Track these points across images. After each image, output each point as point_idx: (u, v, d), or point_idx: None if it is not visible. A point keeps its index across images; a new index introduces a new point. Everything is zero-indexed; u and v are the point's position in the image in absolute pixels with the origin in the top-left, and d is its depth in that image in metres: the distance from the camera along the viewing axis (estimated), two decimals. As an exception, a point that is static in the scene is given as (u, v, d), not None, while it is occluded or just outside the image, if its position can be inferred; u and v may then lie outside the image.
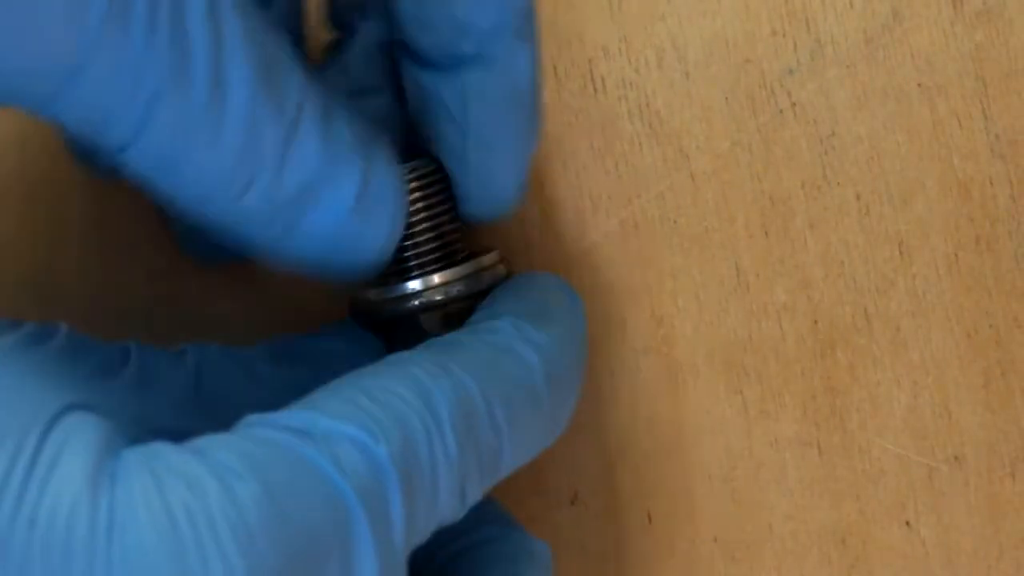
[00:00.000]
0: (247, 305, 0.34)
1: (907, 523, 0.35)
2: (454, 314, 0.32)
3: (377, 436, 0.26)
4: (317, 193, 0.28)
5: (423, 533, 0.27)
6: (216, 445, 0.25)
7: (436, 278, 0.31)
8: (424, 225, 0.31)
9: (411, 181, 0.31)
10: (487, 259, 0.32)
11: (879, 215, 0.36)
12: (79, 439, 0.24)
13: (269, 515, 0.24)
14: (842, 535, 0.35)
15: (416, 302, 0.31)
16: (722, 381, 0.36)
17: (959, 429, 0.36)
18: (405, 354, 0.29)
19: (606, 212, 0.36)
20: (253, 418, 0.26)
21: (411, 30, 0.31)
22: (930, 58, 0.37)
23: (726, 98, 0.37)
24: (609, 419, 0.36)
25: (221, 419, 0.28)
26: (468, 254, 0.32)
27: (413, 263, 0.31)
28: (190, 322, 0.34)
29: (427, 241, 0.32)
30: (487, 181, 0.32)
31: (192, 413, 0.28)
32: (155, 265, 0.35)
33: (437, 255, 0.32)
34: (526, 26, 0.31)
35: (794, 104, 0.37)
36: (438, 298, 0.31)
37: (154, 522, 0.23)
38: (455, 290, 0.31)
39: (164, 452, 0.25)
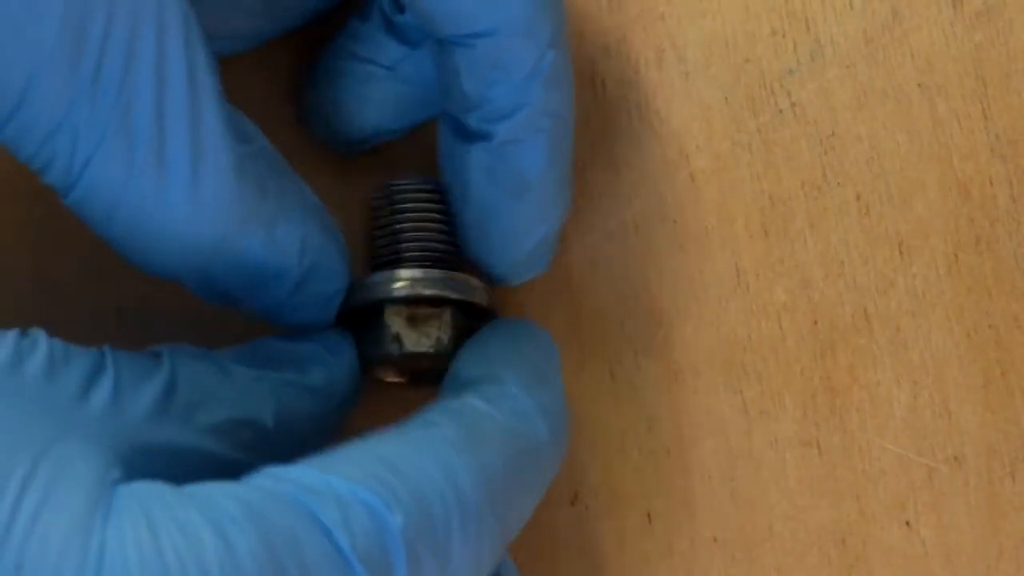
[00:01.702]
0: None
1: (907, 523, 0.35)
2: (421, 319, 0.32)
3: (392, 506, 0.25)
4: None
5: None
6: (218, 492, 0.25)
7: (403, 273, 0.32)
8: (402, 226, 0.32)
9: (397, 191, 0.33)
10: (466, 276, 0.32)
11: (879, 215, 0.36)
12: (69, 475, 0.24)
13: (266, 570, 0.24)
14: (842, 535, 0.35)
15: (379, 294, 0.32)
16: (722, 381, 0.36)
17: (959, 429, 0.36)
18: (431, 417, 0.28)
19: (606, 212, 0.36)
20: (265, 470, 0.26)
21: (441, 92, 0.32)
22: (930, 58, 0.37)
23: (726, 98, 0.37)
24: (609, 419, 0.36)
25: (197, 424, 0.27)
26: (450, 267, 0.33)
27: (384, 259, 0.32)
28: (189, 321, 0.34)
29: (403, 241, 0.32)
30: (486, 252, 0.33)
31: (168, 420, 0.27)
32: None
33: (412, 255, 0.32)
34: (541, 119, 0.31)
35: (794, 104, 0.37)
36: (402, 293, 0.32)
37: (144, 567, 0.23)
38: (421, 289, 0.32)
39: (161, 493, 0.24)
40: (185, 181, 0.27)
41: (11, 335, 0.26)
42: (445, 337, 0.32)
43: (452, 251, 0.33)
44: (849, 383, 0.36)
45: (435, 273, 0.32)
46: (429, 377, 0.33)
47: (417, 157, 0.35)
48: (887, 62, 0.37)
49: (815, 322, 0.36)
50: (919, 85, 0.37)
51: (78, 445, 0.25)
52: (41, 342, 0.26)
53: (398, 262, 0.32)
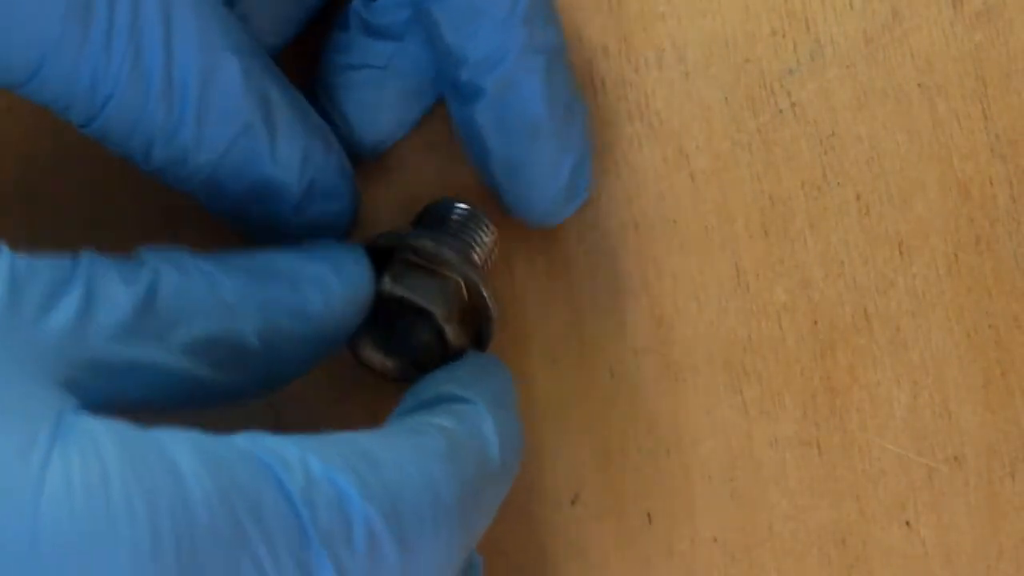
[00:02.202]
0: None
1: (907, 523, 0.35)
2: (413, 265, 0.32)
3: (361, 492, 0.25)
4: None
5: None
6: (182, 439, 0.24)
7: (415, 231, 0.33)
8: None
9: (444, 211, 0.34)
10: (462, 261, 0.33)
11: (879, 215, 0.36)
12: (12, 406, 0.23)
13: (218, 520, 0.23)
14: (842, 535, 0.35)
15: (390, 241, 0.32)
16: (722, 381, 0.36)
17: (959, 429, 0.36)
18: (416, 426, 0.28)
19: (606, 212, 0.36)
20: (243, 433, 0.25)
21: (436, 59, 0.33)
22: (930, 58, 0.37)
23: (726, 98, 0.37)
24: (609, 419, 0.36)
25: (172, 340, 0.27)
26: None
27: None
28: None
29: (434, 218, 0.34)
30: (523, 200, 0.34)
31: (141, 336, 0.27)
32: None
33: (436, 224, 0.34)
34: (529, 60, 0.32)
35: (794, 104, 0.37)
36: (409, 240, 0.32)
37: (89, 493, 0.22)
38: (422, 240, 0.32)
39: (119, 430, 0.24)
40: (195, 103, 0.29)
41: None
42: (442, 306, 0.32)
43: (480, 235, 0.34)
44: (849, 383, 0.36)
45: (456, 244, 0.33)
46: (408, 372, 0.33)
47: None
48: (887, 62, 0.37)
49: (815, 322, 0.36)
50: (919, 85, 0.37)
51: (27, 371, 0.24)
52: (3, 257, 0.26)
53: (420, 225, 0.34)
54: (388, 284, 0.32)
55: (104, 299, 0.26)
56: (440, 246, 0.32)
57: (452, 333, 0.32)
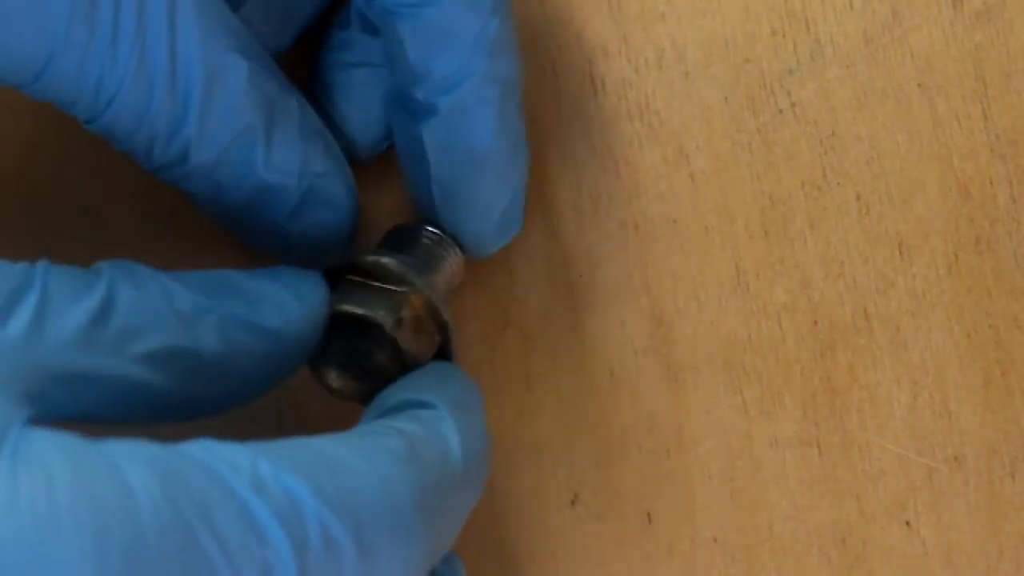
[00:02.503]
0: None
1: (907, 523, 0.35)
2: (358, 284, 0.32)
3: (312, 492, 0.25)
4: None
5: None
6: (129, 448, 0.24)
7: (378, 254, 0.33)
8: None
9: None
10: (408, 274, 0.32)
11: (879, 215, 0.36)
12: None
13: (168, 528, 0.23)
14: (842, 535, 0.35)
15: (342, 262, 0.32)
16: (722, 381, 0.36)
17: (959, 429, 0.36)
18: (374, 428, 0.28)
19: (606, 212, 0.36)
20: (193, 440, 0.25)
21: (393, 74, 0.33)
22: (930, 58, 0.37)
23: (726, 98, 0.37)
24: (609, 419, 0.36)
25: (129, 352, 0.27)
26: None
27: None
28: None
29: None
30: (456, 225, 0.34)
31: (97, 347, 0.26)
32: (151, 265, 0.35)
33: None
34: (486, 88, 0.32)
35: (794, 104, 0.37)
36: (368, 258, 0.32)
37: (34, 508, 0.22)
38: (364, 257, 0.32)
39: (68, 444, 0.23)
40: (198, 104, 0.29)
41: None
42: (388, 315, 0.32)
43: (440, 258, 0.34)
44: (849, 383, 0.36)
45: (408, 260, 0.32)
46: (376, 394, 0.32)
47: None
48: (887, 62, 0.37)
49: (815, 322, 0.36)
50: (919, 85, 0.37)
51: None
52: None
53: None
54: (335, 302, 0.31)
55: (60, 308, 0.26)
56: (382, 262, 0.32)
57: (404, 341, 0.32)
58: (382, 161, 0.36)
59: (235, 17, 0.30)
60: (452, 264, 0.34)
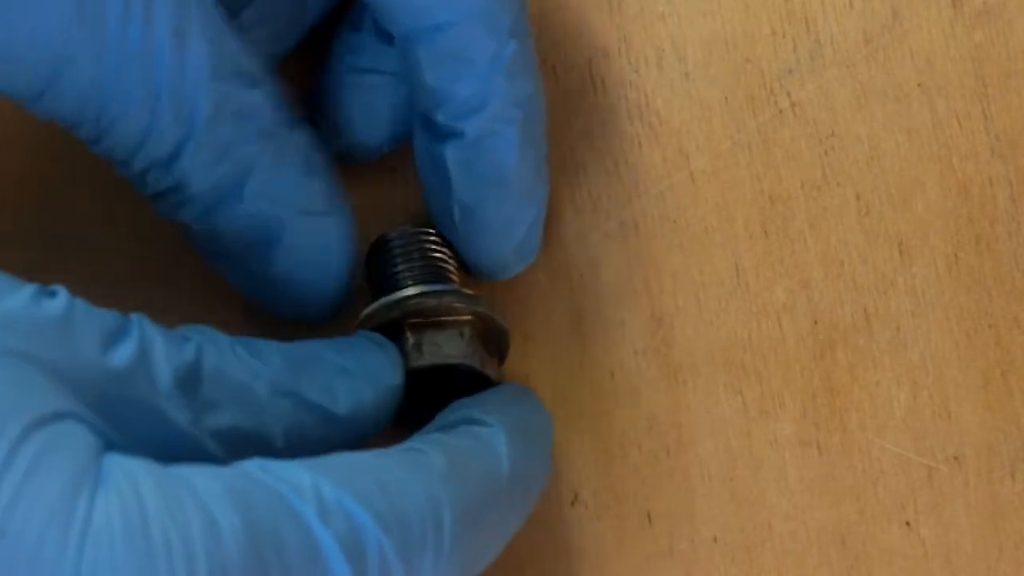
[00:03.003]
0: (246, 309, 0.34)
1: (907, 523, 0.35)
2: (421, 327, 0.32)
3: (373, 518, 0.25)
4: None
5: None
6: (206, 474, 0.24)
7: (407, 291, 0.32)
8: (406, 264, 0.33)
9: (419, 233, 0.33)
10: (462, 297, 0.32)
11: (879, 215, 0.36)
12: (64, 441, 0.23)
13: (247, 553, 0.23)
14: (842, 535, 0.35)
15: (390, 312, 0.32)
16: (722, 381, 0.36)
17: (959, 429, 0.36)
18: (421, 445, 0.28)
19: (606, 212, 0.36)
20: (254, 460, 0.25)
21: (414, 95, 0.33)
22: (930, 58, 0.37)
23: (726, 98, 0.37)
24: (609, 419, 0.36)
25: (203, 422, 0.27)
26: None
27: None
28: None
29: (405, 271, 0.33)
30: (475, 248, 0.34)
31: (174, 412, 0.27)
32: (149, 269, 0.35)
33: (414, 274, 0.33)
34: (509, 111, 0.32)
35: (794, 104, 0.37)
36: (410, 302, 0.32)
37: (129, 541, 0.23)
38: (418, 300, 0.32)
39: (151, 470, 0.24)
40: (201, 131, 0.29)
41: (30, 286, 0.25)
42: (468, 352, 0.32)
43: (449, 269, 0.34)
44: (849, 383, 0.36)
45: (439, 286, 0.32)
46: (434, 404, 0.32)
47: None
48: (887, 62, 0.37)
49: (815, 322, 0.36)
50: (919, 85, 0.37)
51: (77, 426, 0.24)
52: (61, 295, 0.25)
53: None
54: (413, 359, 0.32)
55: (155, 360, 0.26)
56: (438, 296, 0.32)
57: (482, 366, 0.32)
58: (382, 161, 0.36)
59: (243, 43, 0.30)
60: (452, 257, 0.34)
